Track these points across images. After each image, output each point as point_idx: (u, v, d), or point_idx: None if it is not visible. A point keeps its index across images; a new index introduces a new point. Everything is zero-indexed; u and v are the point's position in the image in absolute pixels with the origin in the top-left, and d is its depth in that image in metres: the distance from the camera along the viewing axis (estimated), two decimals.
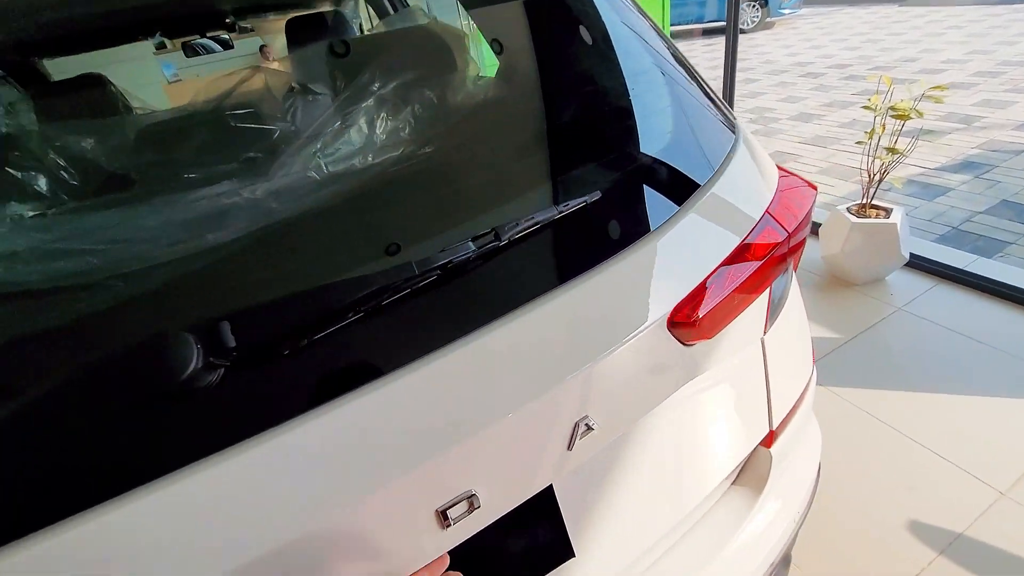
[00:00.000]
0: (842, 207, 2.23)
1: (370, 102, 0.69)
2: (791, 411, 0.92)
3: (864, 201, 2.21)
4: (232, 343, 0.44)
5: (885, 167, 2.09)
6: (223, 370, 0.44)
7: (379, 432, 0.49)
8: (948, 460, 1.49)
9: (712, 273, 0.68)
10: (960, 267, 2.20)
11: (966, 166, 3.44)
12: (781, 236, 0.74)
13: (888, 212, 2.16)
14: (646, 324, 0.61)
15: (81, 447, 0.43)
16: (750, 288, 0.72)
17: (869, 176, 2.14)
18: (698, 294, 0.64)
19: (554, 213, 0.57)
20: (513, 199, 0.63)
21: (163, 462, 0.43)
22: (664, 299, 0.62)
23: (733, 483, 0.92)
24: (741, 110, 5.31)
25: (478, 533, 0.59)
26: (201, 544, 0.42)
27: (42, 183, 0.65)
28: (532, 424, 0.55)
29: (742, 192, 0.78)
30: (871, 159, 2.09)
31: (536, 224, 0.56)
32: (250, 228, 0.58)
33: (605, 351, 0.57)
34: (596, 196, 0.62)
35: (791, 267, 0.85)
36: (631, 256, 0.62)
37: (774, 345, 0.84)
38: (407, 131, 0.70)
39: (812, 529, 1.32)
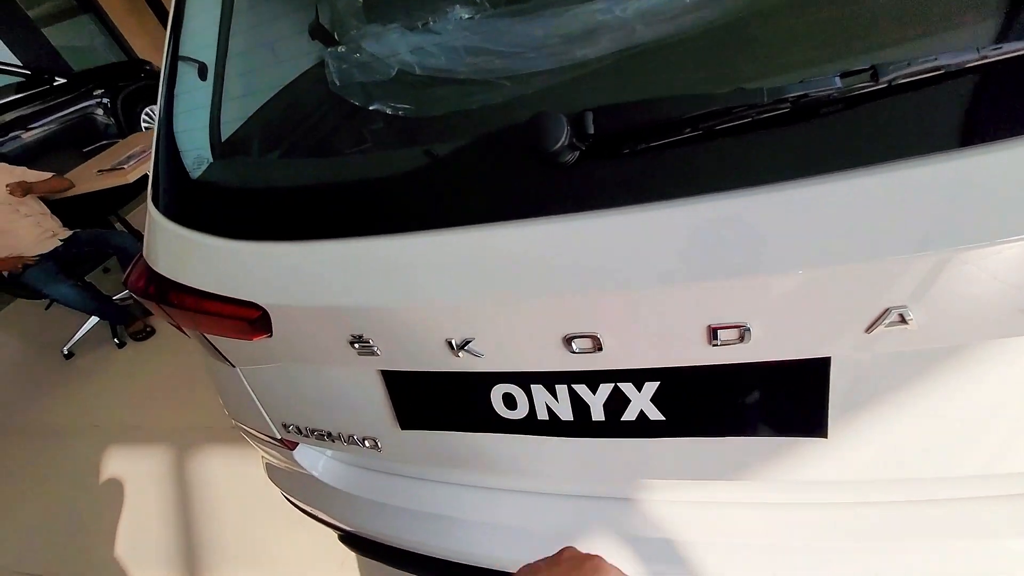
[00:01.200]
0: None
1: None
2: None
3: None
4: (593, 131, 0.55)
5: None
6: (580, 152, 0.57)
7: (682, 239, 0.56)
8: None
9: None
10: None
11: None
12: None
13: None
14: None
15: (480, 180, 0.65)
16: None
17: None
18: None
19: (972, 56, 0.45)
20: (923, 31, 0.51)
21: (525, 207, 0.61)
22: None
23: None
24: None
25: (740, 365, 0.64)
26: (531, 272, 0.61)
27: None
28: (830, 287, 0.53)
29: None
30: None
31: (937, 69, 0.46)
32: (616, 44, 0.65)
33: (960, 244, 0.47)
34: None
35: None
36: None
37: None
38: None
39: None
